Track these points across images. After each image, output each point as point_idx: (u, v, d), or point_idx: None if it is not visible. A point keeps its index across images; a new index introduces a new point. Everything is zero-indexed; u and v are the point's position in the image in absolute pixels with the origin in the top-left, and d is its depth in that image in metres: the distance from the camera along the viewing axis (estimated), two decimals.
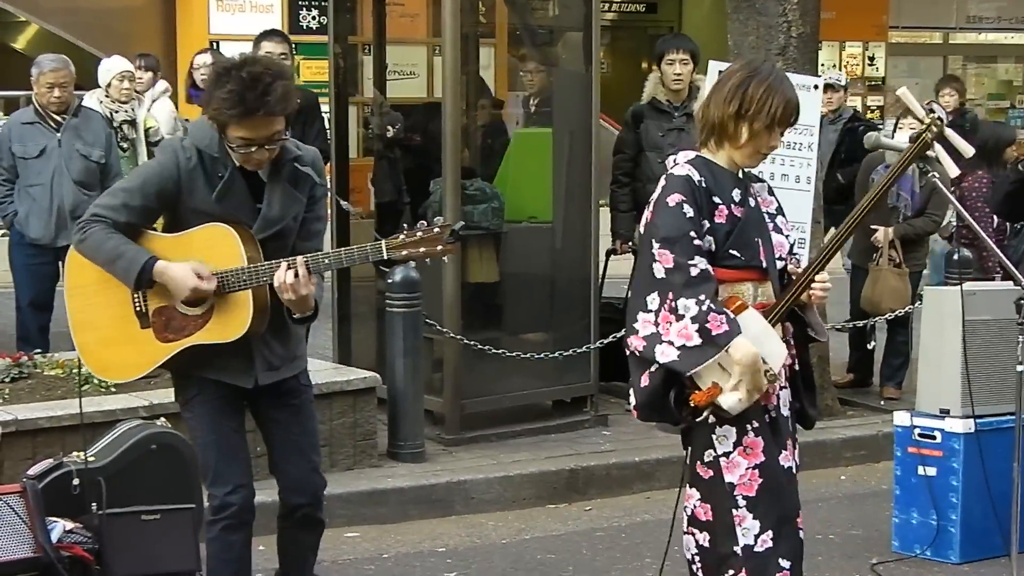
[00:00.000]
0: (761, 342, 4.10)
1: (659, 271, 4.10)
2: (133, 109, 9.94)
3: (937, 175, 4.69)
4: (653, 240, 4.13)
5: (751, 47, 8.25)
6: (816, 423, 4.51)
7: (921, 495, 6.39)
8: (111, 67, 9.92)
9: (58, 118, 8.38)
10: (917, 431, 6.40)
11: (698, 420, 4.18)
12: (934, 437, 6.36)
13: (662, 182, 4.23)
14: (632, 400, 4.27)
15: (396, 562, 6.40)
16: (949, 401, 6.31)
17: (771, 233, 4.32)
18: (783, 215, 4.42)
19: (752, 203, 4.29)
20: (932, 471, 6.35)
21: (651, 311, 4.11)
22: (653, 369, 4.15)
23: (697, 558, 4.34)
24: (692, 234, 4.11)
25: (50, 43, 12.52)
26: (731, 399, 4.09)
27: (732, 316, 4.07)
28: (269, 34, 8.94)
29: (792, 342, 4.35)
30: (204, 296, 4.60)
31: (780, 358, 4.17)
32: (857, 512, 7.16)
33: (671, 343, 4.07)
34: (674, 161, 4.31)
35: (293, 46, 9.10)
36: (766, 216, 4.34)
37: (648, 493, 7.36)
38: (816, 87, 8.03)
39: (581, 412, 8.26)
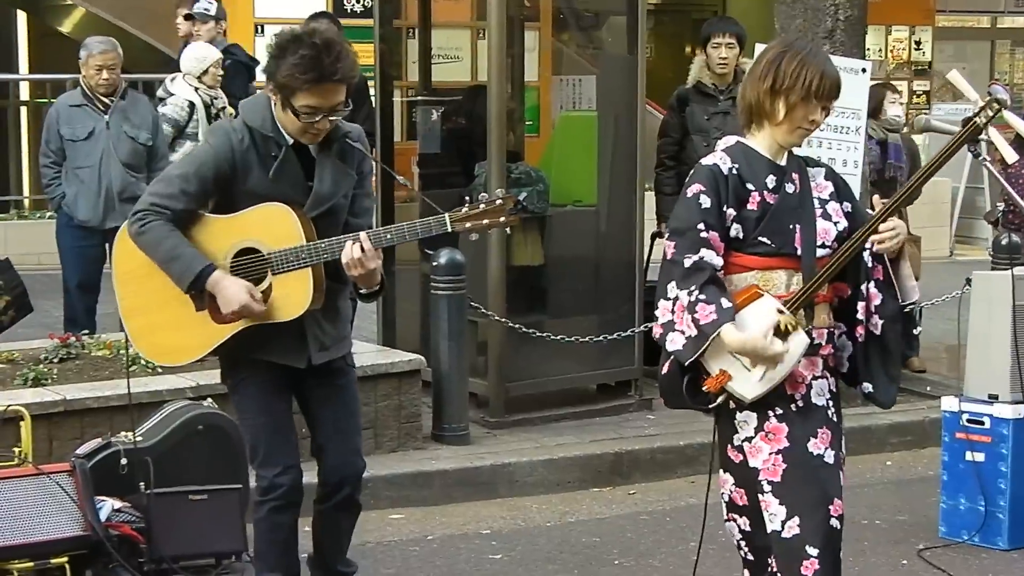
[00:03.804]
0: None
1: (666, 260, 4.15)
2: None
3: (988, 159, 4.58)
4: (667, 229, 4.22)
5: (798, 30, 8.20)
6: (892, 404, 4.39)
7: (969, 481, 6.36)
8: (207, 55, 9.44)
9: (106, 100, 8.39)
10: (965, 416, 6.36)
11: (712, 406, 4.17)
12: (982, 423, 6.31)
13: (693, 169, 4.25)
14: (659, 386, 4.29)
15: (441, 544, 6.41)
16: (998, 386, 6.27)
17: (817, 219, 4.21)
18: (840, 201, 4.27)
19: (791, 189, 4.20)
20: (980, 457, 6.32)
21: (669, 299, 4.12)
22: (671, 356, 4.16)
23: (743, 543, 4.33)
24: (700, 227, 4.09)
25: (96, 26, 12.57)
26: (742, 384, 4.07)
27: (726, 305, 4.03)
28: (318, 17, 8.95)
29: (842, 327, 4.28)
30: (247, 316, 4.61)
31: (799, 346, 4.09)
32: (903, 498, 7.13)
33: (682, 332, 4.08)
34: (715, 147, 4.31)
35: (341, 28, 9.10)
36: (816, 201, 4.23)
37: (693, 477, 7.34)
38: (864, 70, 7.98)
39: (625, 396, 8.25)
